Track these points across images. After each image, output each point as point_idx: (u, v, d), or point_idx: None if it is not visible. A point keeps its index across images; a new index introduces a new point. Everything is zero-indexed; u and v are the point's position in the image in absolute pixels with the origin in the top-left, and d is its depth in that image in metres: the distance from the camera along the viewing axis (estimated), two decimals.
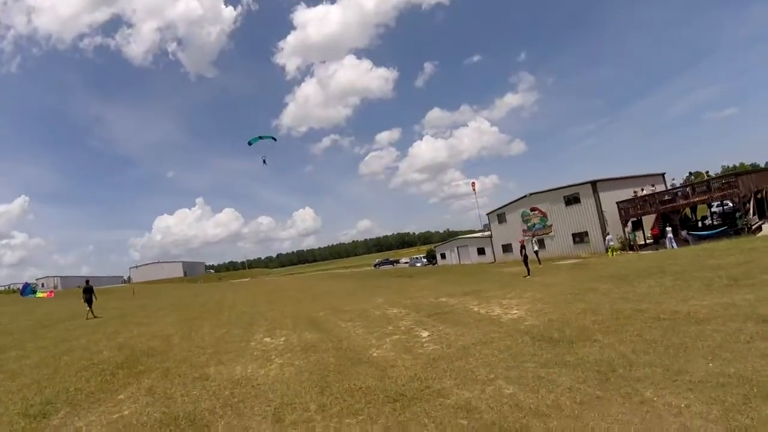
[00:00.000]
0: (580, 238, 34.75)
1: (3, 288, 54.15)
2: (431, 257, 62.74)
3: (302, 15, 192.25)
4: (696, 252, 15.60)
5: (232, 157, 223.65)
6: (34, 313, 20.86)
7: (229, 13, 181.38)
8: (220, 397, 5.52)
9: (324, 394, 5.15)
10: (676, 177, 35.21)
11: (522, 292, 12.14)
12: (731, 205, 27.33)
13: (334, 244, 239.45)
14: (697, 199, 26.58)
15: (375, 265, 72.50)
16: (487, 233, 48.44)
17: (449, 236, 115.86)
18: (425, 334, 7.98)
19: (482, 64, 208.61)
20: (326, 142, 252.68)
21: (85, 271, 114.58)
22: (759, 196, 26.85)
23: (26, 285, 41.52)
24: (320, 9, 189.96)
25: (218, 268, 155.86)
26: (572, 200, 35.31)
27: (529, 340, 6.48)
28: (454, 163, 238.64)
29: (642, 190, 30.57)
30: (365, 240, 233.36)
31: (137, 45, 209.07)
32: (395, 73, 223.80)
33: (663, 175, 38.40)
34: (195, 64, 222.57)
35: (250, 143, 21.13)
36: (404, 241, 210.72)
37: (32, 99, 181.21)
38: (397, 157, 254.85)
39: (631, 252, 27.36)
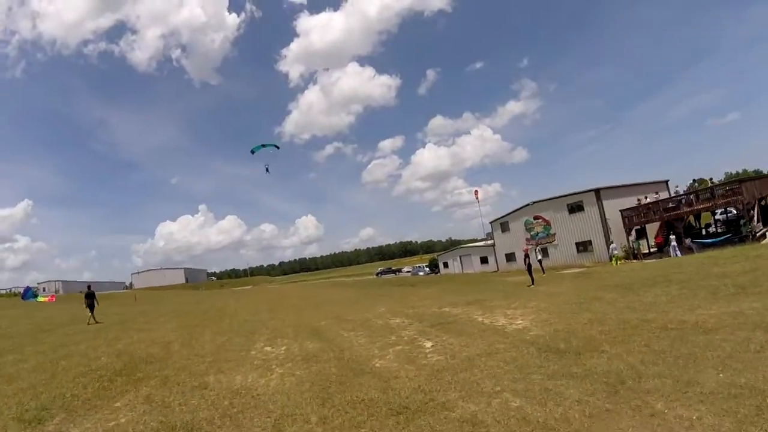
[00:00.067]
0: (583, 246, 34.58)
1: (4, 291, 54.12)
2: (434, 266, 62.53)
3: (305, 22, 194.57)
4: (700, 260, 15.46)
5: (236, 163, 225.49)
6: (35, 317, 20.86)
7: (233, 20, 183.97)
8: (218, 407, 5.43)
9: (325, 406, 5.05)
10: (680, 184, 35.05)
11: (526, 302, 12.01)
12: (735, 212, 27.18)
13: (337, 252, 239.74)
14: (701, 206, 26.43)
15: (377, 274, 72.29)
16: (490, 242, 48.30)
17: (452, 245, 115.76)
18: (429, 344, 7.88)
19: (484, 71, 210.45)
20: (329, 149, 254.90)
21: (87, 276, 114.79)
22: (763, 202, 26.66)
23: (27, 289, 41.46)
24: (323, 16, 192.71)
25: (220, 276, 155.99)
26: (575, 208, 35.21)
27: (535, 351, 6.37)
28: (457, 171, 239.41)
29: (645, 197, 30.46)
30: (367, 248, 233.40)
31: (141, 51, 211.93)
32: (398, 80, 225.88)
33: (666, 182, 38.25)
34: (199, 70, 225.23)
35: (252, 152, 21.15)
36: (407, 250, 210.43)
37: (37, 104, 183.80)
38: (400, 165, 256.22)
39: (635, 261, 27.17)
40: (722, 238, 25.14)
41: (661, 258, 25.17)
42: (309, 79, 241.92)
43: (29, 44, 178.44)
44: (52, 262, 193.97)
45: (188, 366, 7.92)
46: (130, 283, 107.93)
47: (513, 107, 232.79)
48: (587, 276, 18.88)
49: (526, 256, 20.23)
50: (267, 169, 23.46)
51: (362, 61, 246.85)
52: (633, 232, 30.70)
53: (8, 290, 54.52)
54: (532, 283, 17.99)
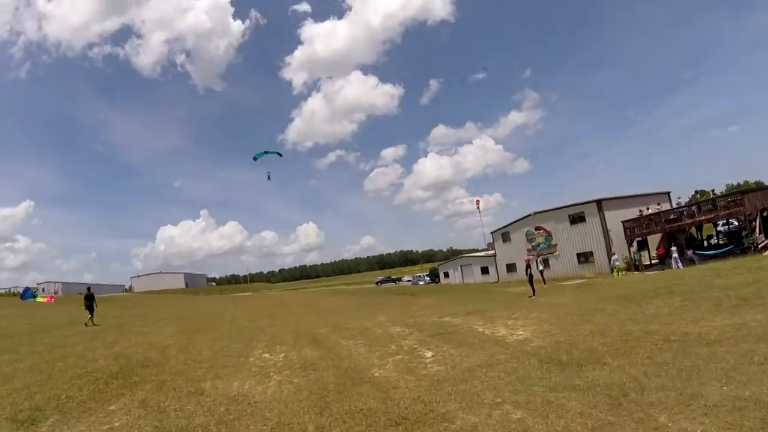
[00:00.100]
0: (585, 257, 34.45)
1: (4, 291, 53.96)
2: (434, 276, 62.31)
3: (310, 30, 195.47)
4: (702, 272, 15.37)
5: (238, 169, 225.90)
6: (33, 318, 20.81)
7: (238, 26, 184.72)
8: (215, 413, 5.37)
9: (323, 415, 4.99)
10: (682, 195, 35.02)
11: (527, 313, 11.93)
12: (736, 224, 27.09)
13: (337, 260, 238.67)
14: (703, 218, 26.36)
15: (377, 283, 72.03)
16: (491, 252, 48.17)
17: (452, 255, 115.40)
18: (429, 354, 7.80)
19: (487, 82, 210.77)
20: (331, 157, 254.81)
21: (87, 278, 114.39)
22: (765, 214, 26.58)
23: (27, 289, 41.35)
24: (328, 24, 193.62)
25: (220, 281, 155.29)
26: (577, 219, 35.15)
27: (536, 363, 6.30)
28: (459, 180, 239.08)
29: (647, 209, 30.39)
30: (368, 257, 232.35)
31: (146, 56, 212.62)
32: (401, 89, 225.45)
33: (668, 193, 38.26)
34: (203, 76, 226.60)
35: (255, 158, 21.21)
36: (407, 259, 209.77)
37: (40, 105, 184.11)
38: (402, 174, 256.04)
39: (636, 272, 27.04)
40: (724, 249, 25.03)
41: (662, 269, 25.04)
42: (312, 86, 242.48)
43: (35, 45, 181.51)
44: (52, 263, 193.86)
45: (185, 371, 7.86)
46: (130, 287, 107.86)
47: (515, 117, 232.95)
48: (589, 287, 18.77)
49: (528, 266, 20.15)
50: (269, 177, 23.53)
51: (366, 69, 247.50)
52: (634, 244, 30.60)
53: (7, 290, 54.39)
54: (534, 294, 17.90)
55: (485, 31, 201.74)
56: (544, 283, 24.36)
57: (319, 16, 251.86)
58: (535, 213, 39.33)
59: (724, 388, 4.38)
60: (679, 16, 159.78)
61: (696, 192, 31.76)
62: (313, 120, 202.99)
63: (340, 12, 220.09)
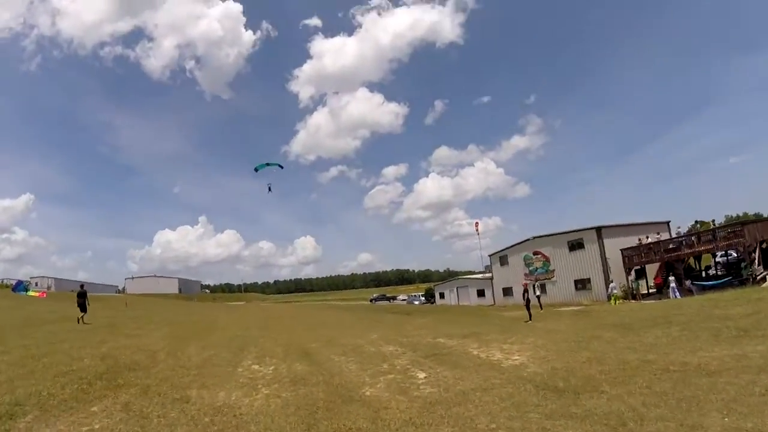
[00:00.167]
0: (582, 284, 34.26)
1: None
2: (430, 296, 61.85)
3: (319, 45, 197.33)
4: (701, 302, 15.24)
5: (239, 178, 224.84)
6: (23, 311, 20.71)
7: (249, 37, 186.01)
8: (198, 423, 5.20)
9: None
10: (681, 225, 35.04)
11: (524, 338, 11.75)
12: (735, 255, 27.05)
13: (333, 275, 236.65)
14: (702, 248, 26.34)
15: (371, 300, 71.42)
16: (488, 275, 47.91)
17: (449, 276, 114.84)
18: (422, 375, 7.62)
19: (492, 105, 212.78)
20: (333, 172, 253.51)
21: (81, 276, 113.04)
22: (764, 245, 26.56)
23: (19, 282, 41.04)
24: (337, 40, 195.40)
25: (214, 289, 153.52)
26: (576, 246, 35.09)
27: (532, 389, 6.14)
28: (459, 202, 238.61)
29: (647, 237, 30.39)
30: (364, 273, 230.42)
31: (156, 59, 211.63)
32: (406, 108, 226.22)
33: (668, 223, 38.31)
34: (211, 83, 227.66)
35: (256, 169, 21.21)
36: (403, 278, 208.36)
37: (47, 100, 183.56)
38: (403, 193, 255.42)
39: (633, 301, 26.84)
40: (723, 280, 24.92)
41: (660, 299, 24.87)
42: (319, 101, 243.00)
43: (47, 40, 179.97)
44: (47, 259, 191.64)
45: (172, 377, 7.71)
46: (123, 288, 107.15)
47: (518, 142, 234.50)
48: (586, 314, 18.56)
49: (525, 291, 19.99)
50: (269, 189, 23.53)
51: (372, 87, 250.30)
52: (632, 272, 30.48)
53: (1, 281, 53.96)
54: (530, 319, 17.69)
55: (492, 55, 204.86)
56: (541, 308, 24.13)
57: (330, 31, 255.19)
58: (534, 237, 39.28)
59: (726, 419, 4.27)
60: (684, 54, 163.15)
61: (696, 222, 31.68)
62: (317, 134, 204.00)
63: (350, 29, 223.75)
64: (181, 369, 8.46)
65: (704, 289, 23.94)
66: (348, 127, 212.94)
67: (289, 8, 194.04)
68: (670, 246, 28.20)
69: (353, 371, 8.31)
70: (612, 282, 29.61)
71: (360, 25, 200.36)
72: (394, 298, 74.27)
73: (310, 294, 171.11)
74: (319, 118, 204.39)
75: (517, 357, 8.83)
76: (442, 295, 55.66)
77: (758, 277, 23.10)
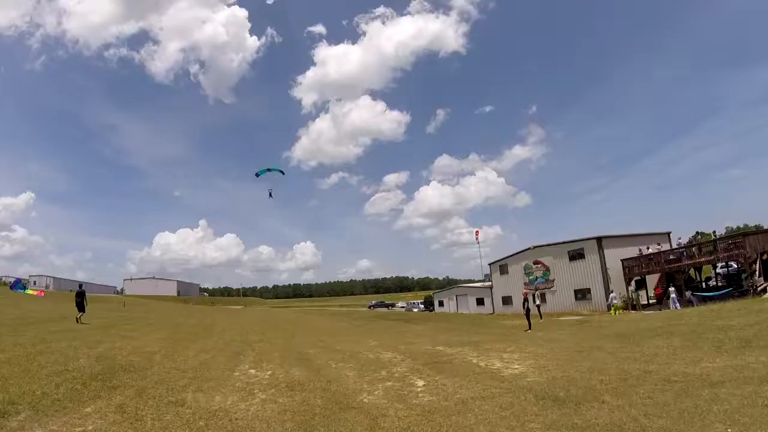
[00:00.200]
0: (582, 294, 34.12)
1: None
2: (429, 303, 61.56)
3: (323, 52, 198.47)
4: (702, 313, 15.14)
5: (241, 183, 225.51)
6: (21, 309, 20.64)
7: (253, 42, 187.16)
8: (193, 426, 5.13)
9: None
10: (682, 236, 34.94)
11: (524, 347, 11.66)
12: (736, 266, 26.93)
13: (332, 281, 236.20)
14: (703, 259, 26.23)
15: (370, 306, 71.08)
16: (487, 283, 47.79)
17: (448, 284, 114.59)
18: (420, 383, 7.54)
19: (493, 115, 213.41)
20: (334, 178, 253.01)
21: (80, 276, 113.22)
22: (765, 257, 26.48)
23: (18, 280, 41.16)
24: (341, 48, 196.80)
25: (212, 292, 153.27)
26: (576, 256, 35.01)
27: (532, 398, 6.05)
28: (459, 210, 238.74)
29: (648, 248, 30.31)
30: (363, 280, 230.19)
31: (161, 62, 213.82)
32: (408, 117, 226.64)
33: (669, 234, 38.23)
34: (214, 87, 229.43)
35: (257, 175, 21.23)
36: (403, 285, 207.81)
37: (51, 99, 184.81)
38: (403, 200, 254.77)
39: (633, 311, 26.71)
40: (723, 291, 24.80)
41: (660, 310, 24.74)
42: (321, 107, 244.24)
43: (52, 40, 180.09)
44: (46, 258, 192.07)
45: (167, 379, 7.64)
46: (122, 289, 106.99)
47: (519, 152, 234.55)
48: (586, 324, 18.45)
49: (525, 300, 19.90)
50: (270, 194, 23.47)
51: (375, 95, 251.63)
52: (632, 282, 30.36)
53: None
54: (530, 328, 17.59)
55: (495, 65, 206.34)
56: (541, 318, 24.01)
57: (334, 39, 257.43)
58: (534, 247, 39.22)
59: (729, 430, 4.21)
60: (685, 67, 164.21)
61: (697, 233, 31.59)
62: (319, 140, 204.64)
63: (354, 37, 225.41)
64: (177, 371, 8.40)
65: (705, 300, 23.81)
66: (350, 134, 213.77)
67: (293, 15, 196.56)
68: (671, 257, 28.10)
69: (351, 378, 8.22)
70: (612, 292, 29.51)
71: (364, 34, 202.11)
72: (393, 304, 73.87)
73: (309, 299, 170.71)
74: (322, 124, 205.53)
75: (517, 366, 8.74)
76: (441, 303, 55.48)
77: (759, 289, 22.98)
